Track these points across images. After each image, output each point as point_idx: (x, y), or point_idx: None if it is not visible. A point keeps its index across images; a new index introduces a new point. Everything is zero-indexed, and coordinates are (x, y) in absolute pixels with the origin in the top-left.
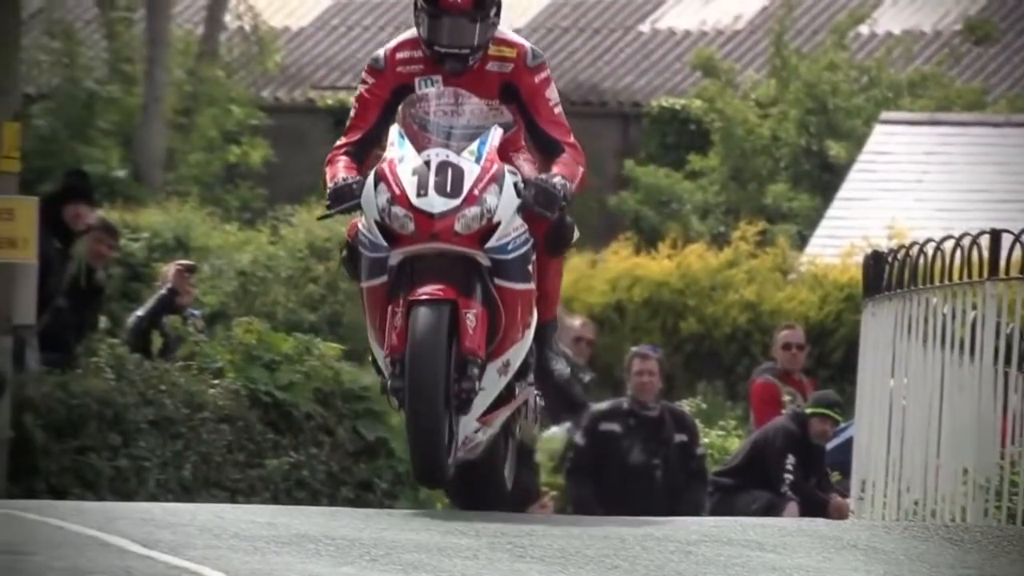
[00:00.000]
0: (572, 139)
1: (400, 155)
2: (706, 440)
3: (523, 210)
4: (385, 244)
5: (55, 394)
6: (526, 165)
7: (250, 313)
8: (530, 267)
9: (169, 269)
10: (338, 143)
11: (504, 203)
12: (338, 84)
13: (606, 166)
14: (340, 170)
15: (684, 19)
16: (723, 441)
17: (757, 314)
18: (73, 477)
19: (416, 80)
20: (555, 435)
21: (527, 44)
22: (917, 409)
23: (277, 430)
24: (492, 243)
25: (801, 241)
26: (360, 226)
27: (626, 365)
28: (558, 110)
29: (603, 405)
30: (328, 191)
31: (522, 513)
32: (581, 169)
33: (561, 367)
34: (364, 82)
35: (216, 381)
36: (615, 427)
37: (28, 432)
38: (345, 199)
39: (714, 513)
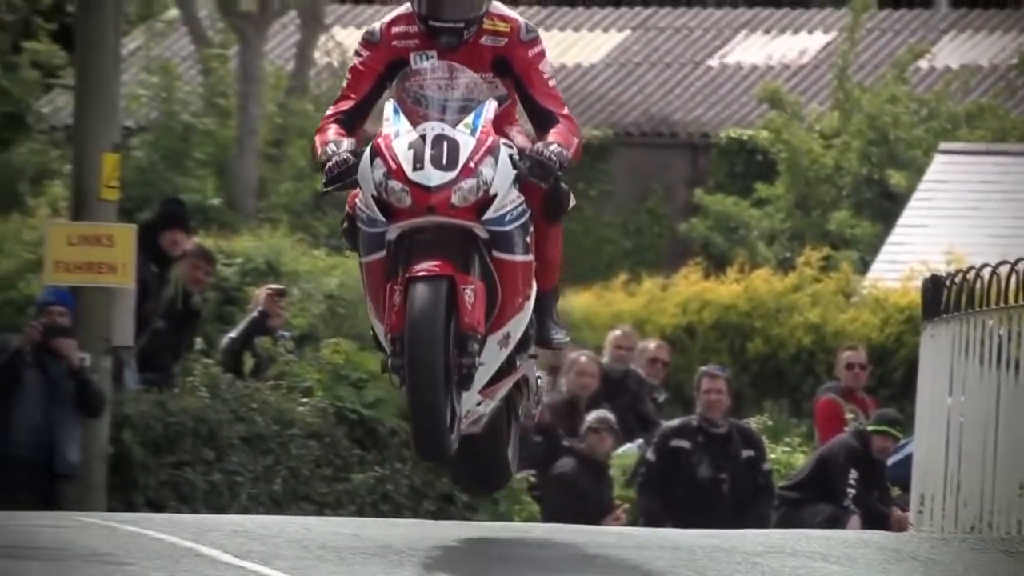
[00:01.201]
0: (566, 111)
1: (395, 130)
2: (772, 456)
3: (519, 181)
4: (383, 219)
5: (152, 412)
6: (519, 138)
7: (337, 334)
8: (528, 239)
9: (261, 293)
10: (328, 112)
11: (500, 175)
12: None
13: (676, 194)
14: (331, 136)
15: (751, 54)
16: (788, 457)
17: (821, 335)
18: (169, 491)
19: (411, 55)
20: (628, 451)
21: (521, 19)
22: (974, 426)
23: (363, 446)
24: (489, 215)
25: (863, 266)
26: (358, 201)
27: (696, 384)
28: (552, 83)
29: (673, 422)
30: (324, 168)
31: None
32: (576, 139)
33: (560, 336)
34: (358, 54)
35: (305, 399)
36: (685, 443)
37: (127, 448)
38: (343, 176)
39: (780, 525)
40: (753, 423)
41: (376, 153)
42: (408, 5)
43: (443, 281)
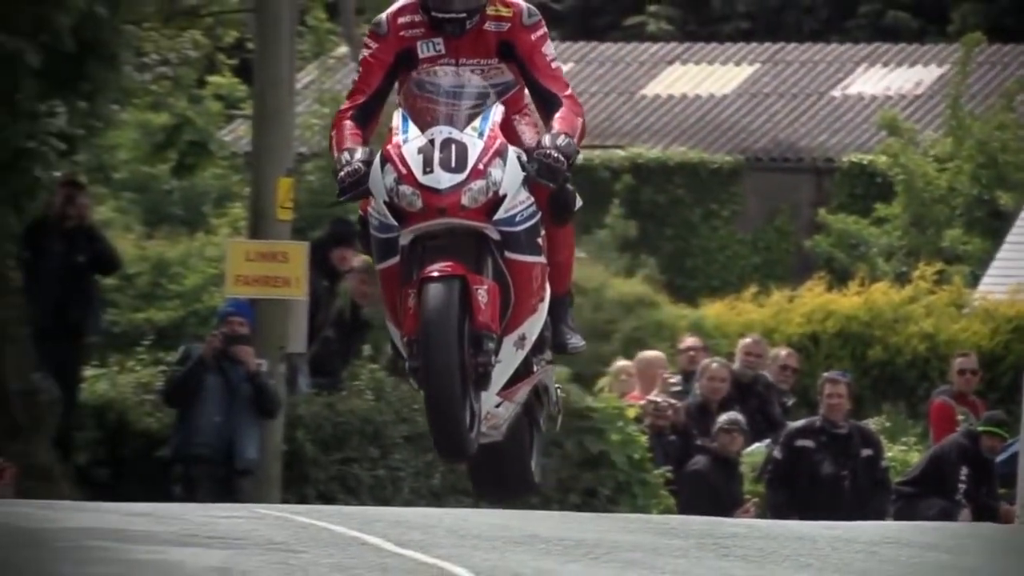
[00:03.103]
0: (569, 91)
1: (404, 137)
2: (889, 454)
3: (528, 183)
4: (395, 223)
5: (323, 413)
6: (528, 131)
7: None
8: (540, 240)
9: None
10: (343, 106)
11: (509, 175)
12: None
13: (802, 214)
14: (347, 141)
15: (871, 85)
16: (904, 455)
17: (935, 344)
18: (338, 485)
19: (418, 44)
20: (756, 449)
21: (523, 3)
22: None
23: None
24: (500, 215)
25: (973, 280)
26: (370, 208)
27: (819, 388)
28: (555, 65)
29: (799, 423)
30: (337, 179)
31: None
32: (580, 120)
33: (576, 341)
34: (367, 47)
35: None
36: (809, 443)
37: (299, 446)
38: (355, 186)
39: (896, 518)
40: (872, 424)
41: (386, 160)
42: None
43: (455, 281)
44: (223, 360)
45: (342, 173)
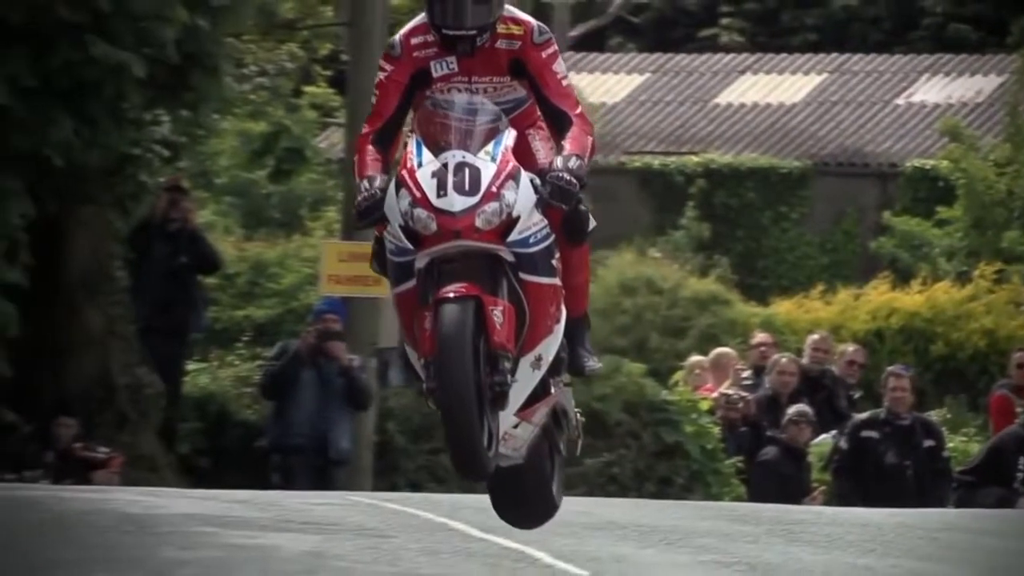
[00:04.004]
0: (580, 109)
1: (419, 161)
2: (950, 444)
3: (541, 205)
4: (411, 246)
5: (412, 405)
6: (543, 148)
7: None
8: (554, 262)
9: None
10: (364, 130)
11: (522, 197)
12: (644, 149)
13: (867, 217)
14: (368, 168)
15: (933, 94)
16: (965, 445)
17: (994, 340)
18: (426, 474)
19: (431, 63)
20: (824, 440)
21: (534, 21)
22: None
23: (593, 435)
24: (513, 236)
25: None
26: (386, 232)
27: (883, 382)
28: (566, 82)
29: (864, 415)
30: (356, 204)
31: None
32: (590, 139)
33: (593, 363)
34: (382, 69)
35: None
36: (874, 434)
37: (390, 437)
38: (371, 211)
39: (956, 506)
40: (934, 416)
41: (401, 184)
42: (424, 14)
43: (471, 301)
44: (317, 355)
45: (359, 199)
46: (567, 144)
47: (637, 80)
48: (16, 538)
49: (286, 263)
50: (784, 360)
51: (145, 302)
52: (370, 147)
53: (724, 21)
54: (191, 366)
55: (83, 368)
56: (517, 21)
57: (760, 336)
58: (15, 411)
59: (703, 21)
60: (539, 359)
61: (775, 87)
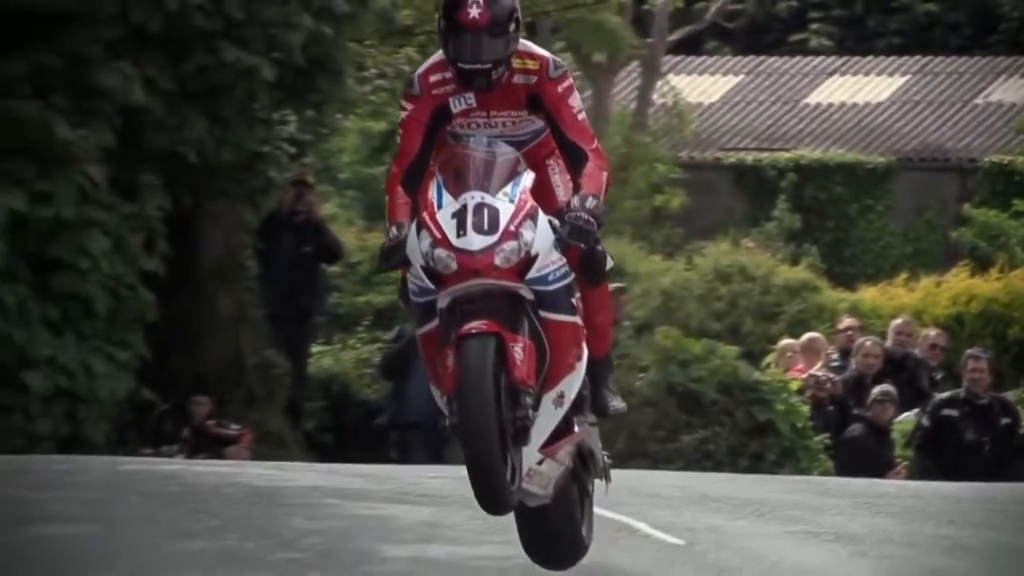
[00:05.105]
0: (595, 144)
1: (439, 203)
2: None
3: (560, 244)
4: (432, 286)
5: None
6: (564, 184)
7: (669, 323)
8: (574, 300)
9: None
10: (392, 170)
11: (540, 236)
12: (739, 146)
13: (949, 209)
14: (397, 213)
15: (1010, 94)
16: None
17: None
18: None
19: (450, 100)
20: (906, 418)
21: (549, 55)
22: None
23: (689, 413)
24: (532, 274)
25: None
26: (409, 275)
27: (963, 364)
28: (581, 116)
29: (944, 395)
30: (380, 248)
31: (881, 479)
32: (605, 174)
33: (617, 403)
34: (404, 108)
35: (642, 375)
36: (953, 412)
37: None
38: (392, 254)
39: None
40: (1011, 395)
41: (421, 226)
42: (441, 51)
43: (491, 338)
44: None
45: (384, 243)
46: (584, 182)
47: (732, 81)
48: (154, 509)
49: None
50: (869, 343)
51: (273, 289)
52: (399, 190)
53: (813, 26)
54: (315, 349)
55: (216, 350)
56: (532, 56)
57: (847, 321)
58: (153, 390)
59: (793, 26)
60: (561, 396)
61: (861, 88)
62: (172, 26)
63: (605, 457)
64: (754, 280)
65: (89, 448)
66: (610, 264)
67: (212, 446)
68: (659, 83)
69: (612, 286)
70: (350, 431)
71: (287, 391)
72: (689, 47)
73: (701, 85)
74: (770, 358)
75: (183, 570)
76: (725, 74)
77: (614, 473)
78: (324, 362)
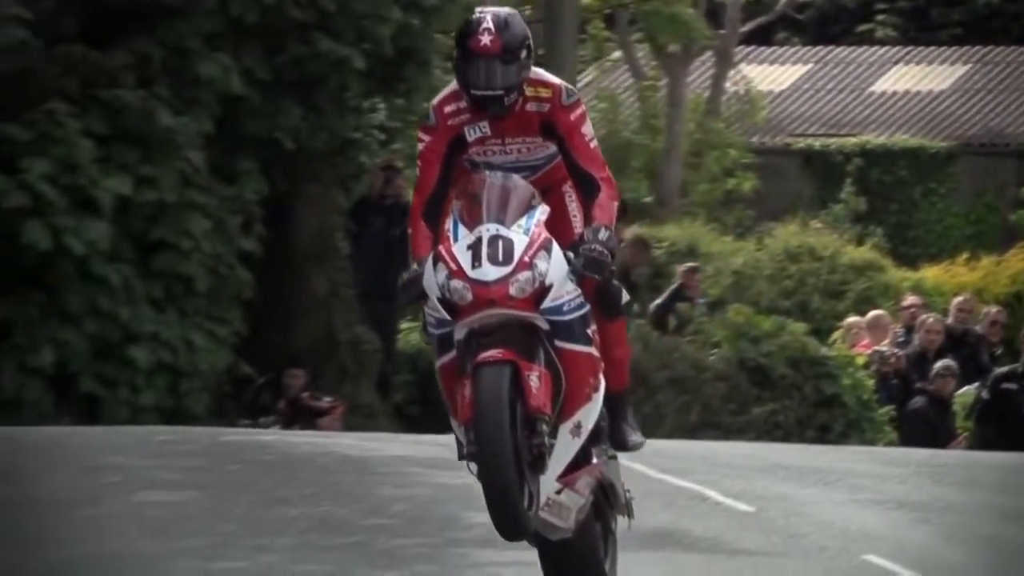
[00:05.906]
0: (606, 172)
1: (454, 237)
2: None
3: (576, 276)
4: (449, 318)
5: None
6: (578, 211)
7: (740, 301)
8: (590, 331)
9: (682, 269)
10: (414, 203)
11: (554, 267)
12: (807, 132)
13: (1008, 192)
14: (421, 248)
15: None
16: None
17: None
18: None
19: (465, 128)
20: (967, 391)
21: (562, 83)
22: None
23: (759, 386)
24: (547, 304)
25: None
26: (426, 307)
27: (1021, 339)
28: (593, 144)
29: (1004, 369)
30: (399, 280)
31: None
32: (615, 204)
33: (636, 438)
34: (421, 140)
35: (715, 351)
36: (1012, 386)
37: None
38: (412, 289)
39: None
40: None
41: (438, 259)
42: (455, 82)
43: (507, 366)
44: None
45: (404, 276)
46: (596, 213)
47: (801, 70)
48: (252, 477)
49: None
50: (931, 320)
51: (363, 269)
52: (421, 224)
53: (879, 17)
54: (404, 325)
55: (309, 327)
56: (545, 84)
57: (910, 298)
58: (250, 364)
59: (860, 17)
60: (578, 426)
61: (924, 76)
62: (268, 18)
63: (628, 493)
64: (822, 260)
65: (190, 419)
66: (625, 298)
67: (306, 417)
68: (731, 72)
69: (686, 265)
70: (436, 404)
71: (377, 366)
72: (760, 37)
73: (772, 74)
74: (837, 334)
75: (280, 535)
76: (794, 63)
77: (686, 444)
78: (412, 338)
